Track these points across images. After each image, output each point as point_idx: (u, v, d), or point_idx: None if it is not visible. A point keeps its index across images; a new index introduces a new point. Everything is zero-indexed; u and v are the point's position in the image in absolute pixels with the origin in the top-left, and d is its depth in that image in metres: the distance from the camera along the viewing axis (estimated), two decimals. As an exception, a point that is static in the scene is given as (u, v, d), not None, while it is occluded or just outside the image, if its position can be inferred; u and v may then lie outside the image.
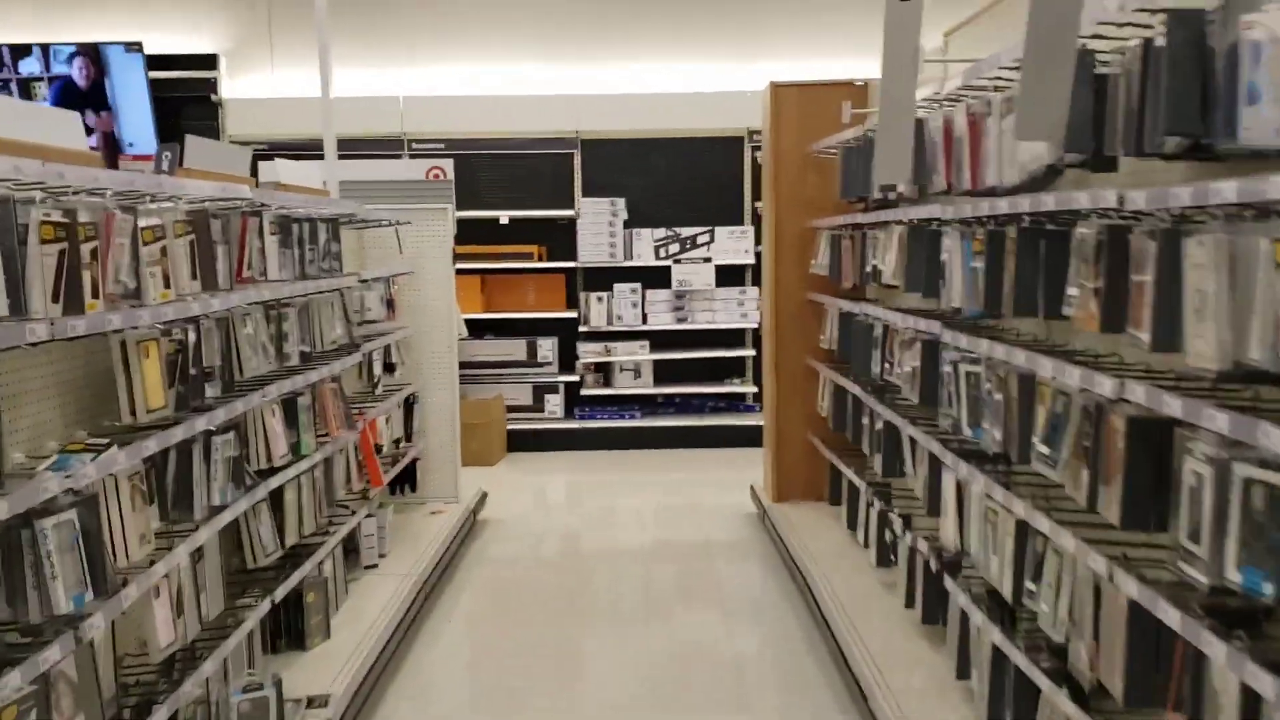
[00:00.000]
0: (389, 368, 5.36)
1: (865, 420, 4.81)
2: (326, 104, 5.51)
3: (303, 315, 4.03)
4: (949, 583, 3.59)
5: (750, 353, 8.73)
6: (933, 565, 3.76)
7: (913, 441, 4.11)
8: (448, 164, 5.91)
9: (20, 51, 8.40)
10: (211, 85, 8.79)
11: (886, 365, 4.33)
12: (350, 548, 4.77)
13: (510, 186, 8.80)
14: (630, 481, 7.65)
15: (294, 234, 3.95)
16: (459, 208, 8.55)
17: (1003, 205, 2.99)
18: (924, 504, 3.88)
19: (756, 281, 8.78)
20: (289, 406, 3.83)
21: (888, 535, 4.51)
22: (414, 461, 5.81)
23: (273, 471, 3.67)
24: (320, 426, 4.20)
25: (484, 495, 6.43)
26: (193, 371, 3.05)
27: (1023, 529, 2.95)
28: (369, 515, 4.86)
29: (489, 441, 8.02)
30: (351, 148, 8.39)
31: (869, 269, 4.64)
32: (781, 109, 5.90)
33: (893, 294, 4.93)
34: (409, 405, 5.70)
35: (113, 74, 8.37)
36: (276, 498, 3.79)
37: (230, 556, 3.69)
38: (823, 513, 5.75)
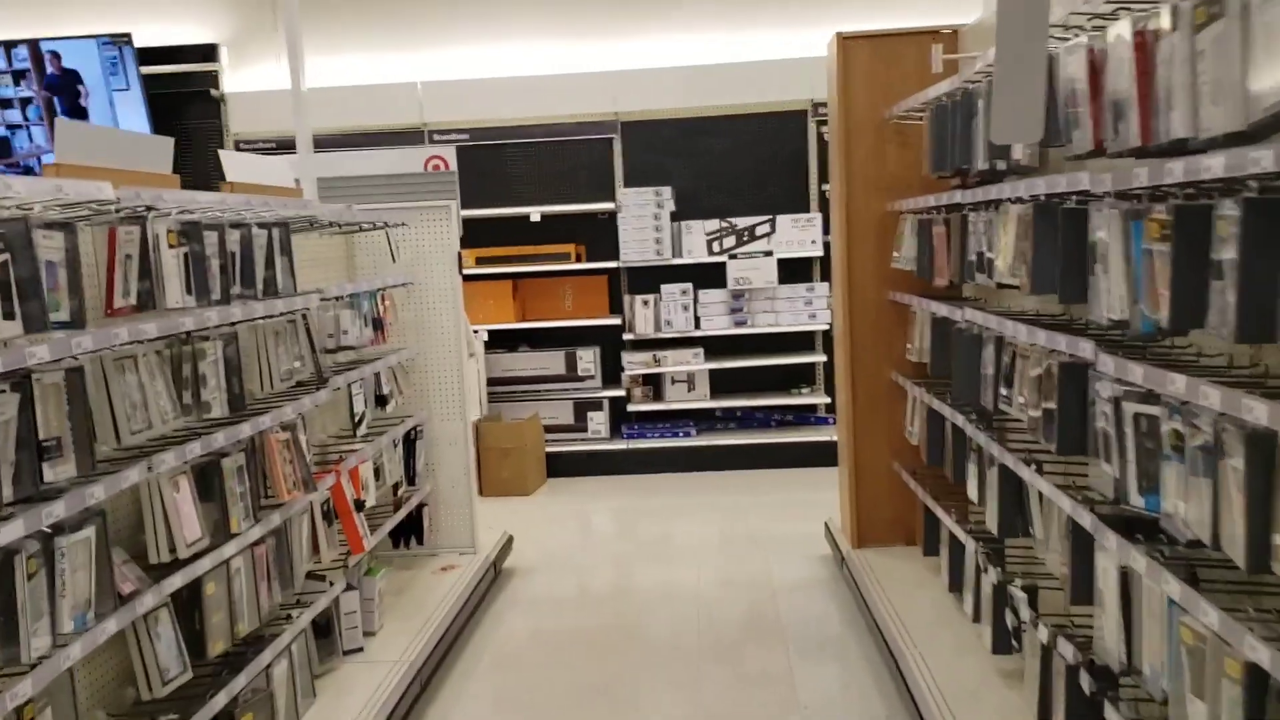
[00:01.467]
0: (380, 400, 4.42)
1: (972, 459, 3.74)
2: (296, 71, 4.58)
3: (232, 350, 3.09)
4: (1111, 715, 2.53)
5: (820, 358, 7.65)
6: (1086, 685, 2.69)
7: (1042, 495, 3.05)
8: (449, 152, 4.94)
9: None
10: (212, 79, 7.96)
11: (1002, 392, 3.26)
12: (328, 628, 3.83)
13: (542, 178, 7.83)
14: (684, 508, 6.64)
15: (213, 246, 3.01)
16: (484, 204, 7.63)
17: (1214, 165, 1.92)
18: (1066, 590, 2.81)
19: (825, 276, 7.69)
20: (205, 474, 2.90)
21: (1008, 617, 3.44)
22: (419, 508, 4.87)
23: (177, 565, 2.73)
24: (267, 490, 3.26)
25: (509, 540, 5.47)
26: (14, 454, 2.12)
27: (1258, 678, 1.88)
28: (349, 588, 3.92)
29: (523, 468, 7.07)
30: (367, 143, 7.52)
31: (973, 260, 3.57)
32: (851, 67, 4.83)
33: (1006, 294, 3.84)
34: (410, 441, 4.76)
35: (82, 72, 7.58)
36: (195, 595, 2.86)
37: (125, 686, 2.77)
38: (915, 563, 4.68)
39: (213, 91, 7.92)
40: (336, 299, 3.95)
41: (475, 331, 7.36)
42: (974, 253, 3.59)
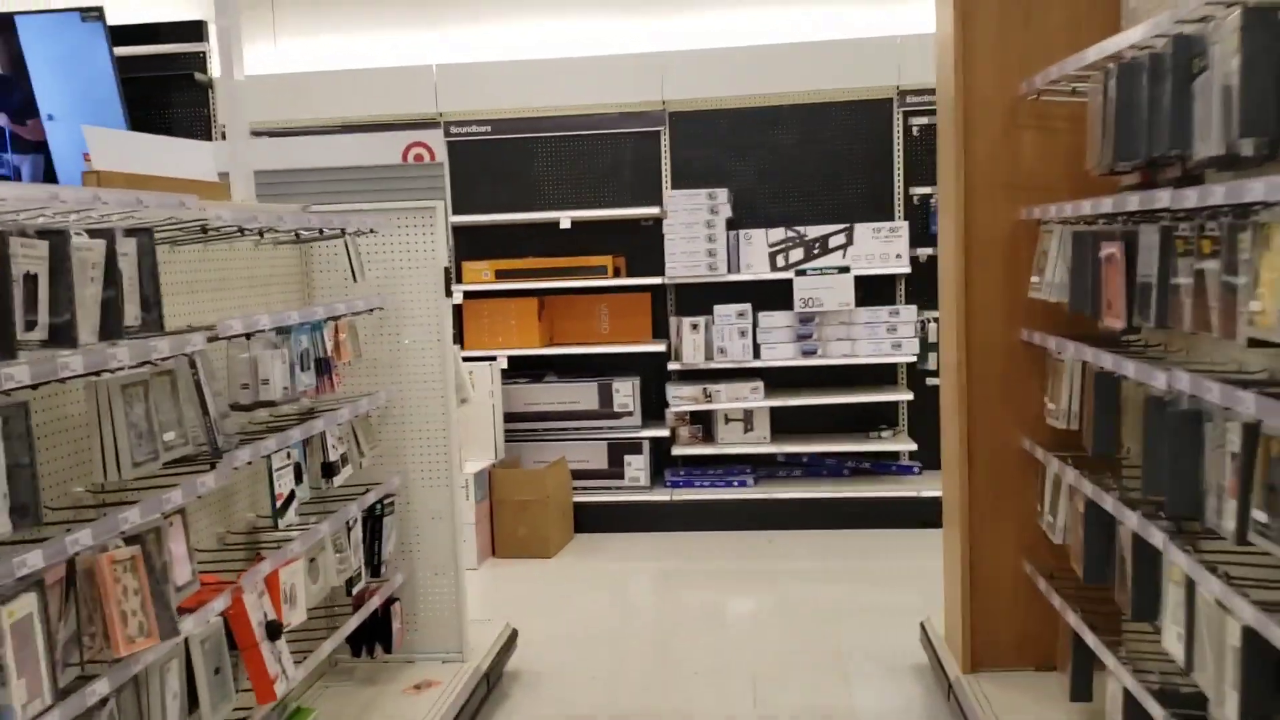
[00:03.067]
0: (328, 470, 3.25)
1: (1171, 593, 2.48)
2: (227, 31, 3.44)
3: (30, 420, 1.94)
4: None
5: (904, 396, 6.36)
6: None
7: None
8: (434, 138, 3.77)
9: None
10: (198, 61, 6.90)
11: (1228, 503, 2.00)
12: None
13: (574, 178, 6.66)
14: (736, 579, 5.39)
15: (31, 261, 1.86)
16: (506, 208, 6.49)
17: None
18: None
19: (912, 298, 6.43)
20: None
21: None
22: (388, 605, 3.69)
23: None
24: (84, 644, 2.11)
25: (511, 636, 4.27)
26: None
27: None
28: (254, 752, 2.75)
29: (544, 524, 5.88)
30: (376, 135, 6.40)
31: (1181, 289, 2.31)
32: (972, 27, 3.58)
33: (1201, 341, 2.58)
34: (376, 518, 3.58)
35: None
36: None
37: None
38: (1057, 704, 3.41)
39: (198, 75, 6.85)
40: (248, 336, 2.78)
41: (492, 358, 6.20)
42: (1183, 278, 2.35)
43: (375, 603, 3.54)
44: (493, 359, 6.21)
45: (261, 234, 2.97)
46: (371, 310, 3.61)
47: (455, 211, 6.66)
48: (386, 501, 3.63)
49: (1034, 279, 3.42)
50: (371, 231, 3.59)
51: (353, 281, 3.54)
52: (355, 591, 3.45)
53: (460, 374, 4.13)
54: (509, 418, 6.29)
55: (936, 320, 6.52)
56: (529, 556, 5.85)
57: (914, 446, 6.34)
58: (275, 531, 3.00)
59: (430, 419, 3.81)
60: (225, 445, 2.63)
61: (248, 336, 2.79)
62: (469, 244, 6.70)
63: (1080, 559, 3.04)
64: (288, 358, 2.98)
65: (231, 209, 2.75)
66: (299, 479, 3.04)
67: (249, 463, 2.77)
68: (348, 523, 3.34)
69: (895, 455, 6.50)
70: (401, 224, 3.73)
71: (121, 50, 6.54)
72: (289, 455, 2.98)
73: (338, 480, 3.29)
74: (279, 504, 2.91)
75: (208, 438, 2.59)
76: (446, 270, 3.75)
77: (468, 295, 6.45)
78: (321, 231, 3.26)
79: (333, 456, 3.25)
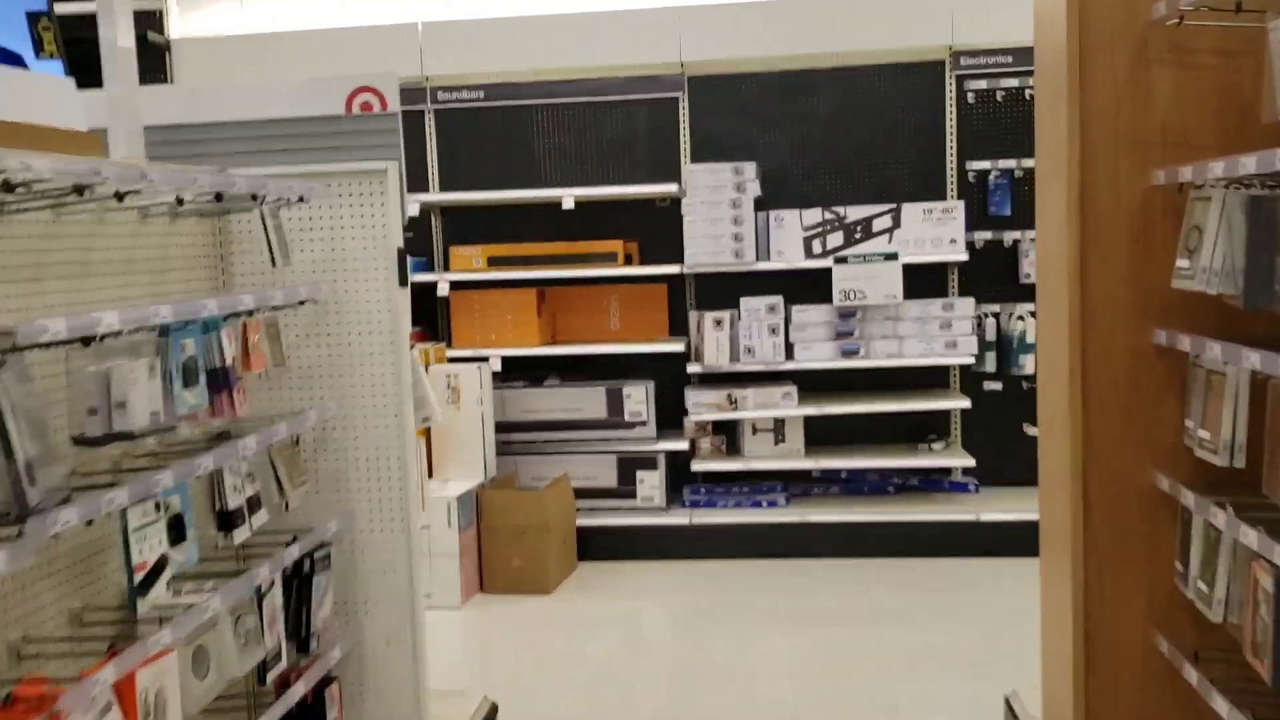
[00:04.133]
0: (226, 521, 2.41)
1: None
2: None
3: None
4: None
5: (960, 403, 5.47)
6: None
7: None
8: (388, 86, 2.91)
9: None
10: (154, 21, 6.08)
11: None
12: None
13: (580, 152, 5.81)
14: (767, 617, 4.53)
15: None
16: (501, 184, 5.66)
17: None
18: None
19: (969, 289, 5.56)
20: None
21: None
22: (321, 687, 2.84)
23: None
24: None
25: (491, 712, 3.42)
26: None
27: None
28: None
29: (542, 554, 5.03)
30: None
31: None
32: (1090, -71, 2.71)
33: None
34: (302, 578, 2.74)
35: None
36: None
37: None
38: (1208, 832, 2.54)
39: (153, 36, 6.02)
40: (84, 341, 1.94)
41: (484, 359, 5.36)
42: None
43: (301, 689, 2.69)
44: (484, 360, 5.37)
45: (120, 197, 2.11)
46: (300, 304, 2.76)
47: (442, 189, 5.83)
48: (319, 555, 2.79)
49: (1181, 264, 2.54)
50: (300, 200, 2.74)
51: (272, 266, 2.69)
52: (272, 677, 2.61)
53: (423, 386, 3.29)
54: (502, 428, 5.44)
55: (996, 315, 5.67)
56: (524, 592, 5.00)
57: (970, 461, 5.46)
58: (115, 635, 2.16)
59: (382, 444, 2.97)
60: (40, 503, 1.79)
61: (85, 343, 1.94)
62: (458, 226, 5.86)
63: (1268, 655, 2.17)
64: (159, 370, 2.14)
65: (62, 161, 1.90)
66: (177, 538, 2.20)
67: (89, 522, 1.93)
68: (258, 588, 2.49)
69: (947, 471, 5.63)
70: (342, 191, 2.88)
71: (71, 7, 5.74)
72: (158, 508, 2.13)
73: (242, 533, 2.45)
74: (139, 578, 2.07)
75: (11, 493, 1.76)
76: (401, 252, 2.90)
77: (455, 286, 5.61)
78: (219, 198, 2.40)
79: (234, 502, 2.41)
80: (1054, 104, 2.84)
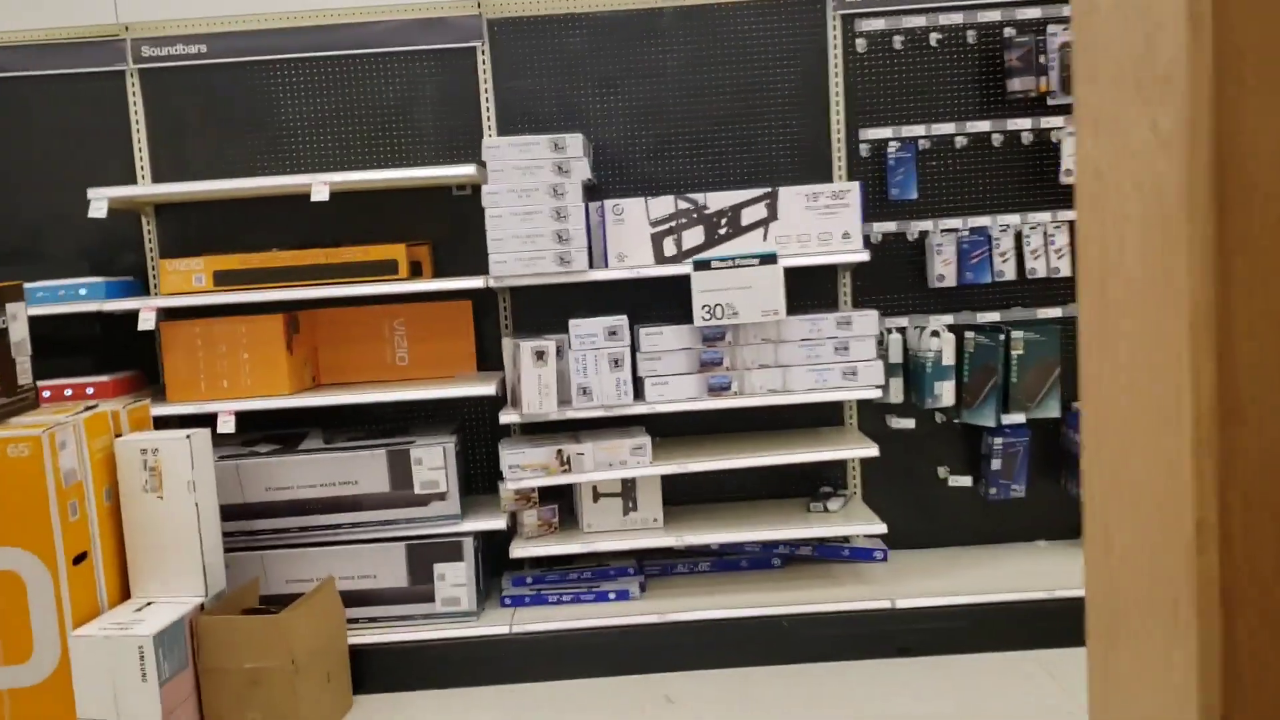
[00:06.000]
0: None
1: None
2: None
3: None
4: None
5: (862, 450, 4.12)
6: None
7: None
8: None
9: None
10: None
11: None
12: None
13: (339, 124, 4.24)
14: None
15: None
16: (229, 172, 4.07)
17: None
18: None
19: (862, 299, 4.25)
20: None
21: None
22: None
23: None
24: None
25: None
26: None
27: None
28: None
29: (291, 701, 3.46)
30: (23, 61, 3.90)
31: None
32: None
33: None
34: None
35: None
36: None
37: None
38: None
39: None
40: None
41: (207, 420, 3.74)
42: None
43: None
44: (209, 421, 3.76)
45: None
46: None
47: (156, 179, 4.19)
48: None
49: None
50: None
51: None
52: None
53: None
54: (237, 514, 3.84)
55: (903, 331, 4.40)
56: (265, 762, 3.43)
57: (877, 524, 4.13)
58: None
59: None
60: None
61: None
62: (172, 231, 4.23)
63: None
64: None
65: None
66: None
67: None
68: None
69: (843, 540, 4.32)
70: None
71: None
72: None
73: None
74: None
75: None
76: None
77: (169, 314, 3.98)
78: None
79: None
80: (1189, 24, 1.46)
